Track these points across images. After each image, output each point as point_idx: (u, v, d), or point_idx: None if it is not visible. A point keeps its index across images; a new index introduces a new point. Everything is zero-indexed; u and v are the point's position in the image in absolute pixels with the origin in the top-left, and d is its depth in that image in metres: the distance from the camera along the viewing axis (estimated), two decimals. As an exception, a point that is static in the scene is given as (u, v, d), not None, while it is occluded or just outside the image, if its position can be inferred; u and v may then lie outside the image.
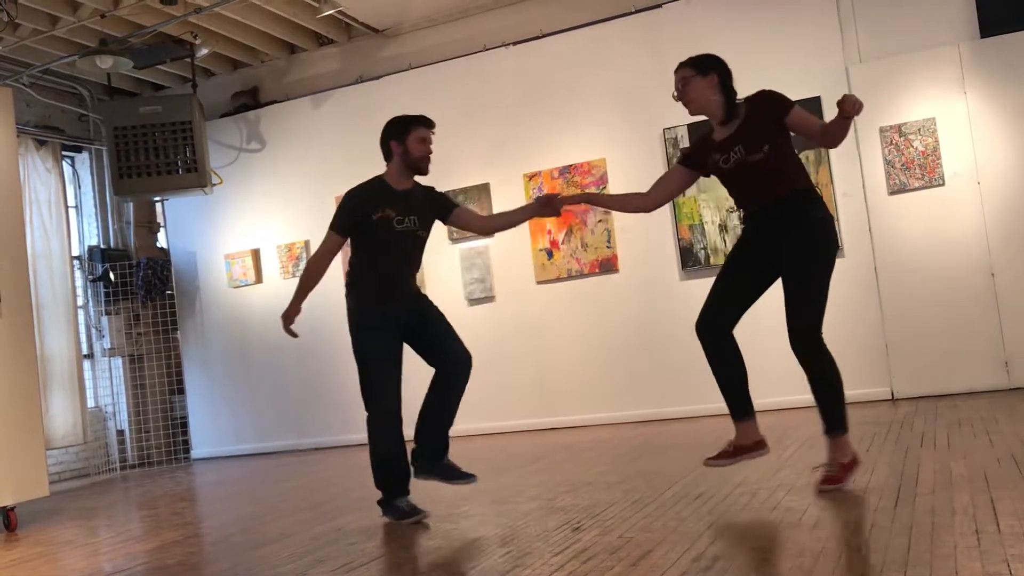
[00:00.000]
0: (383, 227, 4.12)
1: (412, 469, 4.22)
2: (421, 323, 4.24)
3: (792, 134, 3.75)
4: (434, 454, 4.24)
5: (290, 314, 4.26)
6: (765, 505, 3.58)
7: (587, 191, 7.27)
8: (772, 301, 7.05)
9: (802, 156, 6.80)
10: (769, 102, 3.77)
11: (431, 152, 4.27)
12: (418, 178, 4.34)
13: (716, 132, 3.88)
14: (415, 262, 4.32)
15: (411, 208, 4.20)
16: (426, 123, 4.29)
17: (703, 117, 3.97)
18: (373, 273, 4.19)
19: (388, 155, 4.29)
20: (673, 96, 3.95)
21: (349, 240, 4.24)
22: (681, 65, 3.92)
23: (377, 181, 4.28)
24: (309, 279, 4.24)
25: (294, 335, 4.26)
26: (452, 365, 4.25)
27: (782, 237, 3.73)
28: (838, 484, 3.67)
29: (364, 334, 4.12)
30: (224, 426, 8.89)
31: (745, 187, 3.81)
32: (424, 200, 4.31)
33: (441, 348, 4.24)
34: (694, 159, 3.99)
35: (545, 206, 4.33)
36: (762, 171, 3.70)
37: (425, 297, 4.38)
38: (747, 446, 3.87)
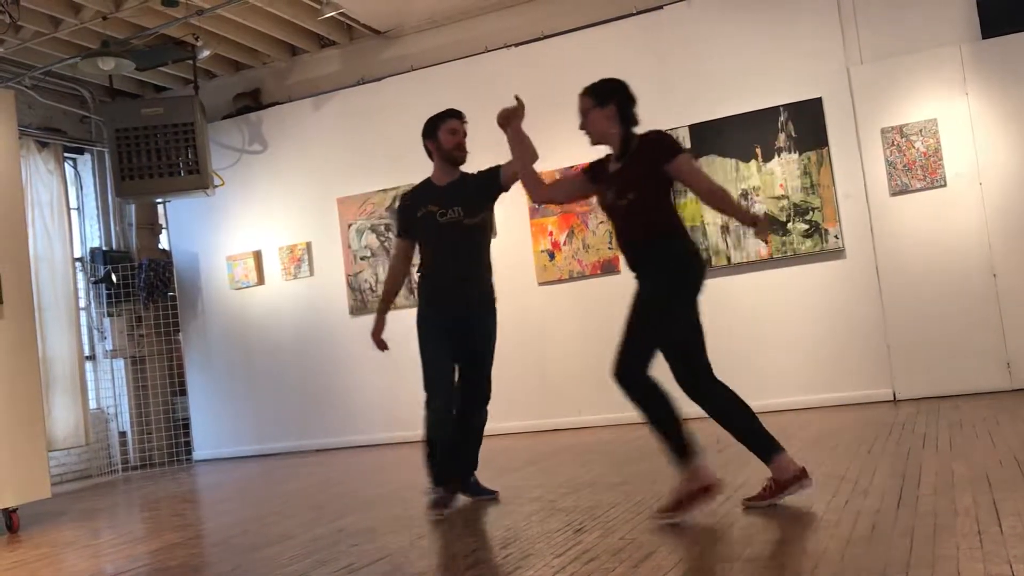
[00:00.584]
0: (428, 223, 4.35)
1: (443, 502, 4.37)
2: (472, 338, 4.39)
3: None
4: (463, 473, 4.48)
5: (376, 332, 4.49)
6: (767, 506, 3.58)
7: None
8: (773, 304, 7.08)
9: (804, 157, 6.83)
10: (653, 147, 3.66)
11: (463, 140, 4.45)
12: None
13: (610, 163, 3.81)
14: (467, 253, 4.40)
15: (455, 199, 4.35)
16: (455, 114, 4.49)
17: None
18: (426, 271, 4.42)
19: (429, 155, 4.51)
20: (579, 127, 3.85)
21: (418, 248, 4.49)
22: (582, 92, 3.82)
23: (423, 182, 4.52)
24: (388, 288, 4.52)
25: (385, 347, 4.47)
26: (472, 403, 4.44)
27: (645, 274, 3.66)
28: (762, 500, 3.57)
29: (420, 334, 4.36)
30: (226, 428, 8.89)
31: (616, 225, 3.78)
32: (472, 187, 4.44)
33: (466, 375, 4.41)
34: (592, 175, 3.89)
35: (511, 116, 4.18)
36: (627, 214, 3.65)
37: (489, 304, 4.47)
38: (698, 491, 3.55)
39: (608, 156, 3.88)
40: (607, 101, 3.75)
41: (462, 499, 4.46)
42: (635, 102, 3.80)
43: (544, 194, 4.21)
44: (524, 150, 4.09)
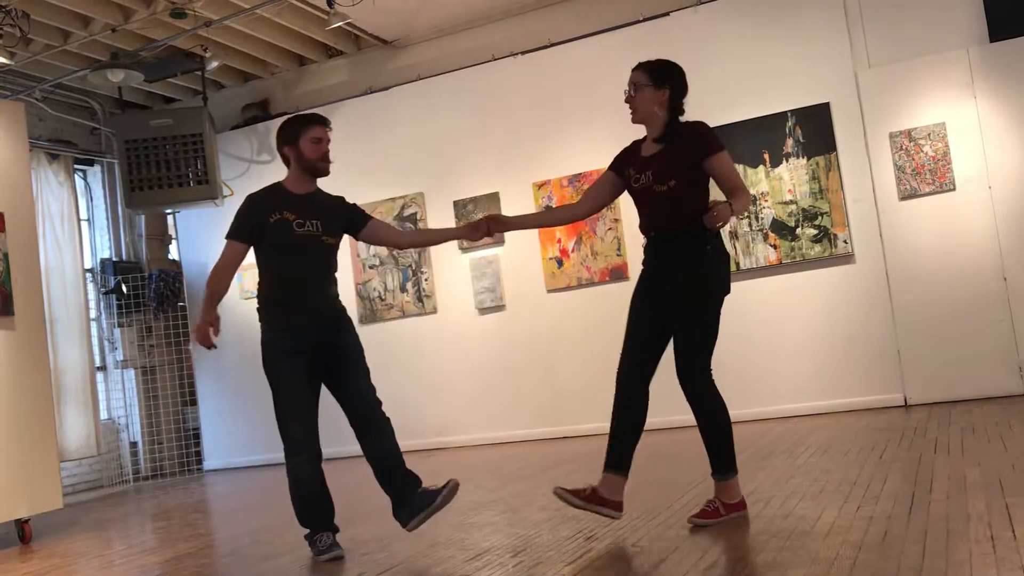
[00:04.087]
0: (282, 230, 3.89)
1: (399, 522, 3.97)
2: (335, 353, 3.96)
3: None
4: (406, 495, 3.94)
5: (205, 323, 3.89)
6: (778, 513, 3.57)
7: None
8: (782, 309, 7.06)
9: (812, 162, 6.82)
10: (697, 139, 3.64)
11: (327, 152, 4.03)
12: (327, 188, 4.13)
13: (644, 147, 3.76)
14: (325, 271, 4.04)
15: (312, 212, 3.96)
16: (320, 121, 4.04)
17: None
18: (279, 285, 3.95)
19: (286, 161, 4.08)
20: (624, 96, 3.76)
21: (256, 260, 4.02)
22: (638, 67, 3.74)
23: (274, 186, 4.08)
24: (212, 291, 3.98)
25: (213, 346, 3.94)
26: (368, 421, 4.00)
27: (672, 269, 3.62)
28: (714, 519, 3.54)
29: (274, 360, 3.88)
30: (237, 437, 8.90)
31: (647, 211, 3.71)
32: (330, 207, 4.08)
33: (352, 398, 3.99)
34: (619, 166, 3.84)
35: (470, 229, 4.07)
36: (665, 201, 3.60)
37: (346, 320, 4.08)
38: (606, 500, 3.66)
39: (637, 142, 3.82)
40: (663, 84, 3.69)
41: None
42: (687, 92, 3.76)
43: (575, 215, 4.12)
44: (535, 225, 4.04)
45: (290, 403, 3.88)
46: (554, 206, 7.59)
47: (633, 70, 3.75)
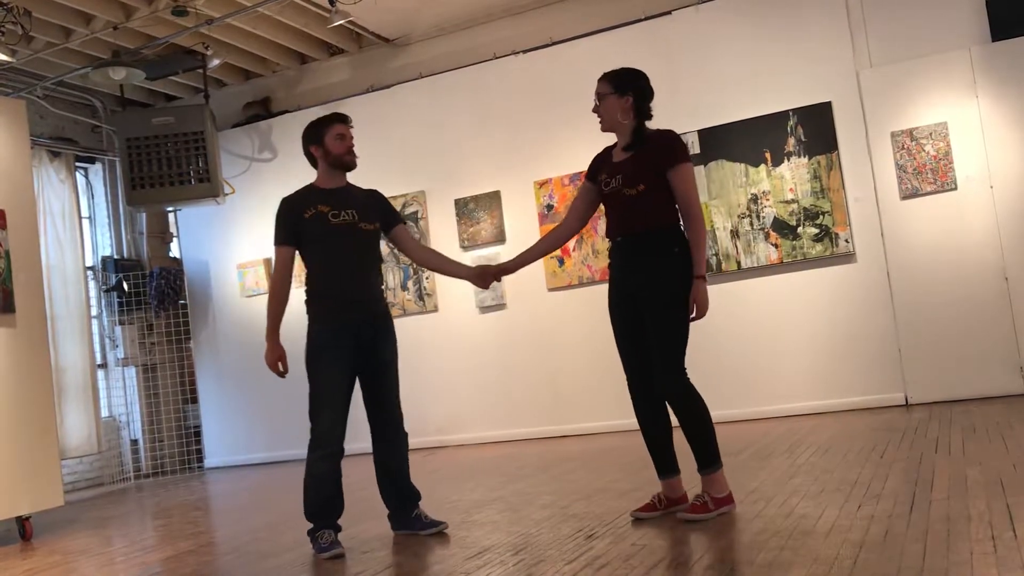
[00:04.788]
0: (318, 222, 4.00)
1: (389, 523, 4.18)
2: (373, 357, 4.04)
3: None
4: (401, 509, 4.12)
5: (275, 357, 4.05)
6: (779, 512, 3.57)
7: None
8: (783, 308, 7.06)
9: (814, 161, 6.82)
10: (664, 146, 3.72)
11: (352, 146, 4.15)
12: (358, 182, 4.23)
13: (615, 153, 3.85)
14: (367, 259, 4.12)
15: (346, 203, 4.07)
16: (341, 119, 4.18)
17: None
18: (323, 277, 4.04)
19: (313, 162, 4.20)
20: (592, 107, 3.87)
21: (302, 259, 4.11)
22: (602, 77, 3.85)
23: (306, 187, 4.19)
24: (273, 307, 4.08)
25: (284, 374, 4.05)
26: (388, 434, 4.09)
27: (641, 271, 3.69)
28: (703, 514, 3.60)
29: (317, 354, 3.99)
30: (237, 435, 8.91)
31: (616, 215, 3.78)
32: (365, 198, 4.19)
33: (380, 408, 4.08)
34: (593, 173, 3.93)
35: (478, 277, 4.17)
36: (634, 205, 3.67)
37: (389, 323, 4.15)
38: (676, 500, 3.82)
39: (609, 148, 3.93)
40: (625, 90, 3.78)
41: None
42: (652, 96, 3.84)
43: (570, 231, 4.15)
44: (538, 255, 4.22)
45: (325, 397, 3.96)
46: (555, 205, 7.60)
47: (598, 81, 3.86)
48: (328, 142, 4.10)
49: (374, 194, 4.27)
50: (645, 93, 3.81)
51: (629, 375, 3.84)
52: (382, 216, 4.20)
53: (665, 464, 3.84)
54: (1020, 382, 6.27)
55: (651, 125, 3.92)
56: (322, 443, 3.95)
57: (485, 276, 4.16)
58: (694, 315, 3.62)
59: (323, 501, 3.99)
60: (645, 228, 3.67)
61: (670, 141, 3.74)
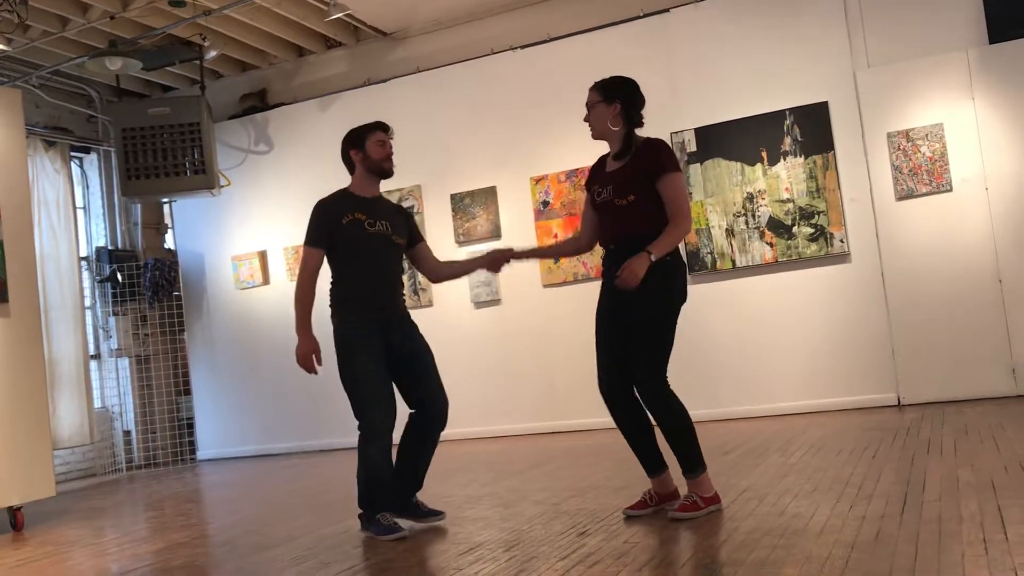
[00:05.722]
0: (355, 230, 4.10)
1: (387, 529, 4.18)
2: (408, 350, 4.14)
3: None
4: (404, 492, 4.18)
5: (309, 350, 4.06)
6: (771, 511, 3.58)
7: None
8: (777, 307, 7.07)
9: (810, 161, 6.83)
10: (652, 157, 3.74)
11: (391, 154, 4.28)
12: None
13: (608, 162, 3.90)
14: (395, 271, 4.25)
15: (381, 213, 4.20)
16: (382, 127, 4.32)
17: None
18: (354, 283, 4.12)
19: (351, 167, 4.31)
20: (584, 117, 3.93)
21: (329, 263, 4.18)
22: (592, 87, 3.89)
23: (343, 191, 4.29)
24: (304, 304, 4.11)
25: (316, 370, 4.08)
26: (432, 416, 4.15)
27: None
28: (694, 512, 3.63)
29: (349, 352, 4.03)
30: (230, 427, 8.90)
31: (608, 223, 3.82)
32: (396, 212, 4.35)
33: (425, 388, 4.14)
34: (590, 184, 3.98)
35: (492, 263, 4.28)
36: (625, 214, 3.72)
37: (412, 321, 4.26)
38: (667, 495, 3.85)
39: (604, 157, 3.96)
40: (613, 98, 3.81)
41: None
42: (642, 104, 3.87)
43: (580, 247, 4.19)
44: (550, 255, 4.22)
45: (368, 388, 4.01)
46: (551, 201, 7.61)
47: (588, 90, 3.90)
48: (369, 147, 4.23)
49: (402, 210, 4.44)
50: (634, 101, 3.84)
51: (601, 381, 3.90)
52: (408, 233, 4.34)
53: (651, 462, 3.86)
54: (1012, 384, 6.30)
55: (650, 126, 3.94)
56: (375, 436, 4.00)
57: (496, 261, 4.27)
58: (619, 277, 3.57)
59: (378, 492, 4.05)
60: (637, 235, 3.68)
61: (658, 151, 3.76)
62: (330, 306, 4.15)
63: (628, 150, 3.79)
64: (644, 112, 3.90)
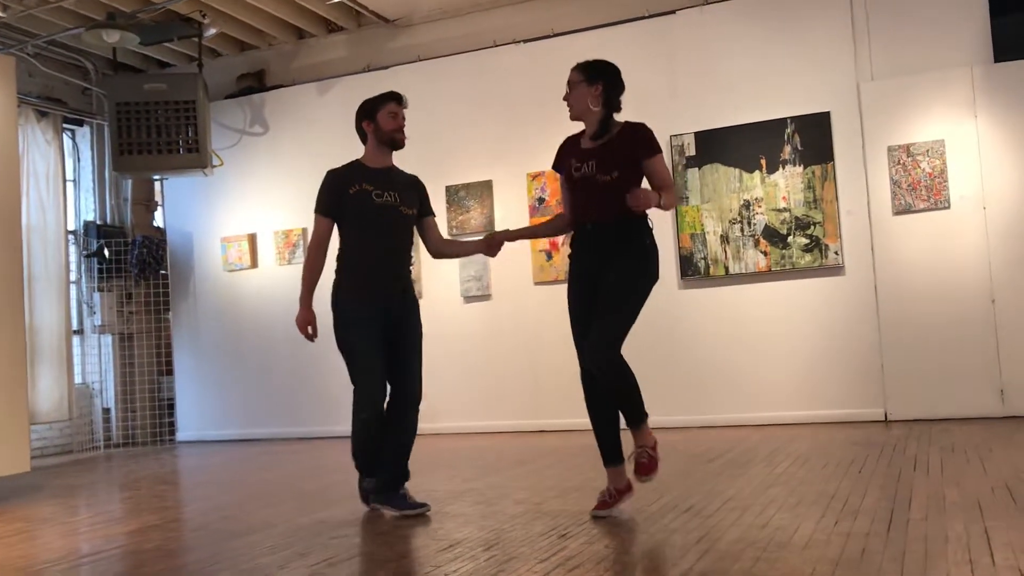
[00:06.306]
0: (362, 200, 4.15)
1: (365, 497, 4.33)
2: (399, 330, 4.20)
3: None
4: (388, 483, 4.20)
5: (306, 321, 4.17)
6: (756, 522, 3.53)
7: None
8: (768, 316, 7.02)
9: (808, 171, 6.79)
10: (638, 139, 3.82)
11: (403, 125, 4.30)
12: (350, 159, 4.35)
13: (583, 140, 3.93)
14: (402, 243, 4.27)
15: (390, 184, 4.23)
16: (396, 98, 4.30)
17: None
18: (360, 254, 4.18)
19: (364, 137, 4.33)
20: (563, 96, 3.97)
21: (338, 233, 4.24)
22: (574, 67, 3.95)
23: (353, 162, 4.33)
24: (310, 271, 4.20)
25: (313, 338, 4.20)
26: (403, 405, 4.20)
27: (609, 256, 3.76)
28: (655, 472, 3.76)
29: (349, 327, 4.14)
30: (211, 410, 8.82)
31: (585, 200, 3.85)
32: (406, 182, 4.34)
33: (402, 376, 4.19)
34: (561, 163, 4.01)
35: (489, 246, 4.30)
36: (606, 191, 3.75)
37: (414, 298, 4.34)
38: (623, 490, 3.91)
39: (572, 138, 4.01)
40: (596, 80, 3.87)
41: (389, 513, 4.17)
42: (623, 90, 3.93)
43: (561, 228, 4.26)
44: (543, 235, 4.50)
45: (363, 361, 4.10)
46: (547, 198, 7.56)
47: (571, 70, 3.95)
48: (381, 118, 4.23)
49: (416, 182, 4.40)
50: (616, 84, 3.89)
51: (581, 355, 3.93)
52: (419, 204, 4.36)
53: (611, 453, 3.92)
54: (1000, 404, 6.28)
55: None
56: (368, 403, 4.09)
57: (492, 244, 4.29)
58: (633, 194, 3.62)
59: (369, 456, 4.20)
60: (619, 215, 3.72)
61: (646, 131, 3.83)
62: (335, 272, 4.21)
63: (604, 132, 3.84)
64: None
